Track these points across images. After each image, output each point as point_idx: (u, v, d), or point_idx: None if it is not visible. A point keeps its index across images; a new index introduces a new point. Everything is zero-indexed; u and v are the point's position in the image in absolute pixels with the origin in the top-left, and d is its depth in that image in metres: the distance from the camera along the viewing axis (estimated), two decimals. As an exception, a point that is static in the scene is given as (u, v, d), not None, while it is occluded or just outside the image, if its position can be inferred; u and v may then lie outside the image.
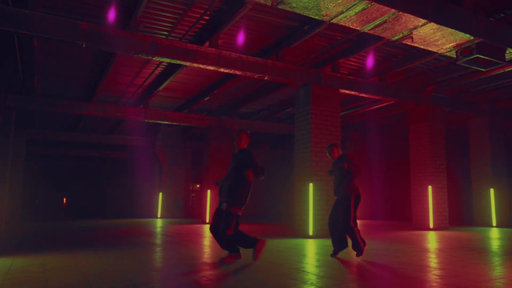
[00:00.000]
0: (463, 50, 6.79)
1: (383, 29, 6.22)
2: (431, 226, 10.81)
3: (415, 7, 5.85)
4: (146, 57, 7.48)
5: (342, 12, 5.71)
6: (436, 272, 4.57)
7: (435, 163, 11.20)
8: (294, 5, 5.52)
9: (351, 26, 6.17)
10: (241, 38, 8.11)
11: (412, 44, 6.78)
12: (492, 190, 12.22)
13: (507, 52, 7.01)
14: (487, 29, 6.62)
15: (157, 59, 7.63)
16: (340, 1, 5.41)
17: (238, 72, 8.37)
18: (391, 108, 12.99)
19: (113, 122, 15.97)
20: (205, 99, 12.21)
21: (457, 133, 15.60)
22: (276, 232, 10.05)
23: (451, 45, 6.76)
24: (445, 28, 6.18)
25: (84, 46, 6.85)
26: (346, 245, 5.62)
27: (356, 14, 5.74)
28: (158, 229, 11.17)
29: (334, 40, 8.42)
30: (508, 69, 8.70)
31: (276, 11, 7.17)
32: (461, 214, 14.97)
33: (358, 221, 5.77)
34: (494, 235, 9.27)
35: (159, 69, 10.18)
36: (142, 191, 19.37)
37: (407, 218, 14.32)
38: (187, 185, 19.58)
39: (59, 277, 4.29)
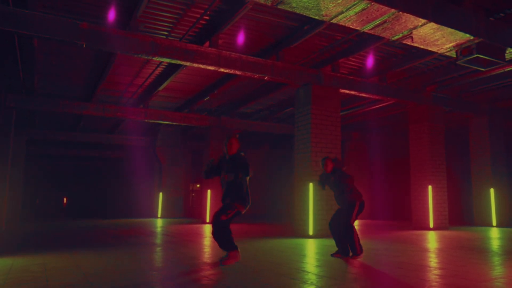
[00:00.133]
0: (463, 50, 6.80)
1: (383, 29, 6.22)
2: (431, 226, 10.81)
3: (415, 7, 5.86)
4: (146, 57, 7.49)
5: (342, 12, 5.71)
6: (436, 271, 4.58)
7: (435, 163, 11.20)
8: (294, 5, 5.52)
9: (351, 26, 6.17)
10: (241, 38, 8.12)
11: (412, 44, 6.78)
12: (492, 190, 12.22)
13: (507, 52, 7.01)
14: (487, 29, 6.62)
15: (157, 59, 7.64)
16: (340, 1, 5.41)
17: (238, 72, 8.38)
18: (391, 108, 12.99)
19: (113, 122, 15.97)
20: (205, 99, 12.22)
21: (457, 133, 15.60)
22: (276, 232, 10.05)
23: (451, 45, 6.77)
24: (445, 28, 6.18)
25: (84, 46, 6.85)
26: (348, 254, 5.63)
27: (356, 14, 5.75)
28: (158, 229, 11.18)
29: (334, 40, 8.42)
30: (508, 69, 8.70)
31: (276, 11, 7.17)
32: (461, 214, 14.97)
33: (357, 221, 5.78)
34: (494, 235, 9.28)
35: (159, 69, 10.18)
36: (142, 191, 19.38)
37: (407, 218, 14.33)
38: (187, 185, 19.59)
39: (59, 277, 4.29)
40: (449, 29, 6.23)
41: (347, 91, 9.77)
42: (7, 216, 12.60)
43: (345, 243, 5.59)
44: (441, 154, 11.39)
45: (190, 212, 19.80)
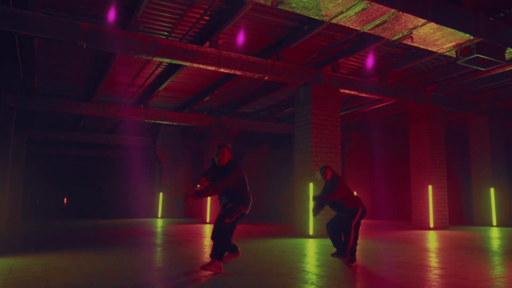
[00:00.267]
0: (463, 49, 6.80)
1: (383, 29, 6.23)
2: (431, 225, 10.82)
3: (415, 7, 5.86)
4: (146, 57, 7.49)
5: (342, 12, 5.71)
6: (436, 271, 4.58)
7: (435, 163, 11.21)
8: (294, 5, 5.52)
9: (351, 26, 6.17)
10: (241, 38, 8.12)
11: (412, 44, 6.79)
12: (492, 190, 12.23)
13: (507, 51, 7.02)
14: (487, 28, 6.62)
15: (157, 59, 7.64)
16: (340, 1, 5.41)
17: (238, 72, 8.38)
18: (391, 108, 12.99)
19: (113, 122, 15.98)
20: (205, 99, 12.22)
21: (457, 133, 15.61)
22: (276, 232, 10.06)
23: (451, 44, 6.77)
24: (445, 28, 6.19)
25: (84, 46, 6.86)
26: (345, 254, 5.58)
27: (356, 14, 5.75)
28: (159, 229, 11.18)
29: (334, 40, 8.42)
30: (508, 69, 8.70)
31: (276, 11, 7.18)
32: (461, 214, 14.97)
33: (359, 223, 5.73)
34: (494, 235, 9.28)
35: (159, 69, 10.19)
36: (142, 191, 19.40)
37: (408, 217, 14.34)
38: (187, 185, 19.59)
39: (60, 277, 4.30)
40: (449, 29, 6.24)
41: (347, 91, 9.78)
42: (7, 216, 12.61)
43: (345, 245, 5.54)
44: (441, 154, 11.39)
45: (190, 212, 19.79)
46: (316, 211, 5.44)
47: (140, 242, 7.87)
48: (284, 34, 8.19)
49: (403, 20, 5.98)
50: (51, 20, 6.51)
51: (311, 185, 8.73)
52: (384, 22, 6.01)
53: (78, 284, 3.96)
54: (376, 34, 6.44)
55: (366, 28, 6.21)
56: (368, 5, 5.51)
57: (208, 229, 11.04)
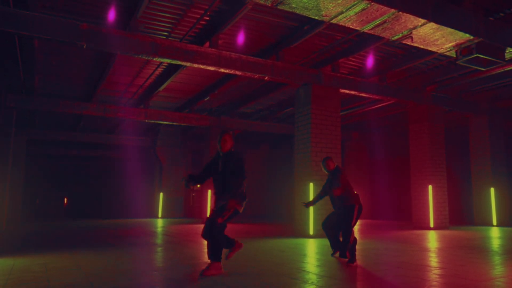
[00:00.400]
0: (463, 49, 6.81)
1: (383, 29, 6.23)
2: (431, 225, 10.83)
3: (414, 7, 5.87)
4: (146, 58, 7.49)
5: (342, 12, 5.72)
6: (436, 271, 4.59)
7: (435, 163, 11.21)
8: (294, 5, 5.53)
9: (351, 26, 6.18)
10: (241, 38, 8.13)
11: (412, 44, 6.79)
12: (492, 190, 12.23)
13: (507, 51, 7.02)
14: (486, 28, 6.63)
15: (157, 59, 7.64)
16: (340, 1, 5.42)
17: (238, 72, 8.38)
18: (391, 108, 13.00)
19: (113, 122, 15.99)
20: (205, 99, 12.23)
21: (457, 133, 15.61)
22: (276, 232, 10.06)
23: (450, 44, 6.78)
24: (444, 28, 6.19)
25: (84, 46, 6.86)
26: (345, 255, 5.56)
27: (356, 14, 5.76)
28: (159, 229, 11.19)
29: (334, 40, 8.43)
30: (508, 69, 8.70)
31: (276, 11, 7.18)
32: (461, 214, 14.98)
33: (357, 222, 5.75)
34: (494, 234, 9.29)
35: (159, 70, 10.19)
36: (142, 191, 19.40)
37: (408, 217, 14.34)
38: (187, 185, 19.56)
39: (60, 277, 4.31)
40: (449, 29, 6.24)
41: (347, 91, 9.78)
42: (7, 216, 12.61)
43: (343, 244, 5.54)
44: (441, 154, 11.40)
45: (190, 212, 19.81)
46: (311, 203, 5.80)
47: (140, 242, 7.87)
48: (284, 34, 8.19)
49: (403, 20, 5.98)
50: (51, 21, 6.51)
51: (311, 185, 8.74)
52: (384, 22, 6.01)
53: (78, 284, 3.96)
54: (376, 34, 6.44)
55: (366, 28, 6.22)
56: (368, 5, 5.52)
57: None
